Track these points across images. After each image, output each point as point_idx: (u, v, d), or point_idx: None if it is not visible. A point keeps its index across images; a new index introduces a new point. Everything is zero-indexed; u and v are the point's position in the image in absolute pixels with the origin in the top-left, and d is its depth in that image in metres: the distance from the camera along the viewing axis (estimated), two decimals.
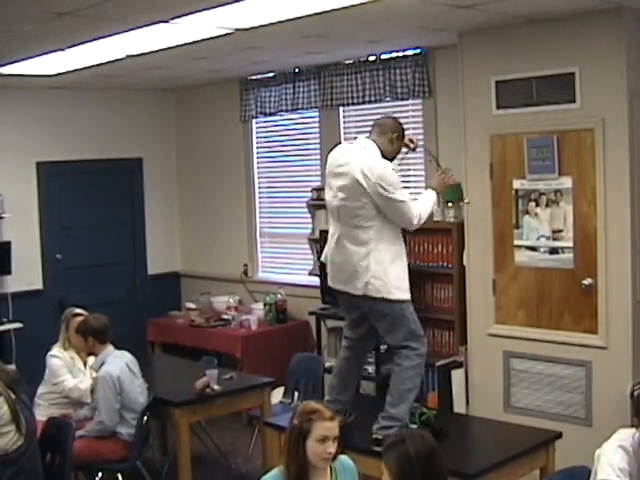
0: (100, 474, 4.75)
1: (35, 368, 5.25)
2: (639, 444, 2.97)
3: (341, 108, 6.59)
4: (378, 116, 6.22)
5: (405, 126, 6.19)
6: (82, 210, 7.57)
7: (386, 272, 4.00)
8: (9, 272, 6.97)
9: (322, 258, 4.38)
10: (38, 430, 4.12)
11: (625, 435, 3.03)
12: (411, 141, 4.42)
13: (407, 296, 4.07)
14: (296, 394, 5.63)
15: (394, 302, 4.02)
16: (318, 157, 6.85)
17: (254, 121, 7.43)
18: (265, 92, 7.11)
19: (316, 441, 2.96)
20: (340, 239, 4.10)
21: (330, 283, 4.26)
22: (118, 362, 4.78)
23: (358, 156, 4.04)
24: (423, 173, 6.14)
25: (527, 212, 4.94)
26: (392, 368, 4.16)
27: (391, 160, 4.17)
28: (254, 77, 7.17)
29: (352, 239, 4.04)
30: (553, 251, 4.86)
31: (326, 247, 4.28)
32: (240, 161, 7.58)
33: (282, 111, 6.99)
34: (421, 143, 4.26)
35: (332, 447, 2.98)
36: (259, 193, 7.56)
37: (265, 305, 6.98)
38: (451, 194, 5.68)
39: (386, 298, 4.01)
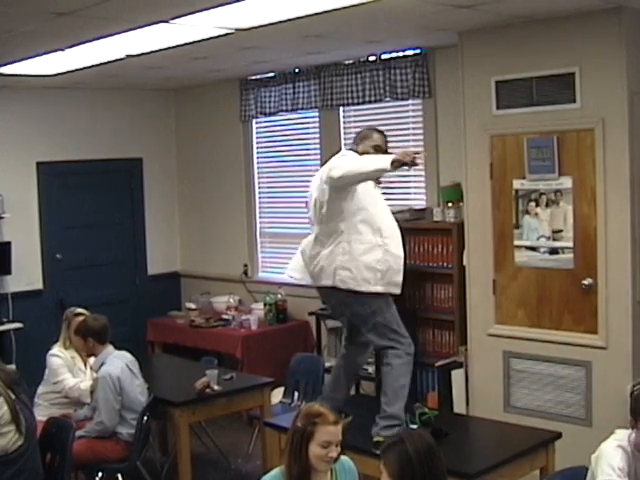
0: (100, 474, 4.75)
1: (35, 368, 5.26)
2: (634, 445, 2.99)
3: (341, 108, 6.59)
4: (378, 116, 6.29)
5: (405, 126, 6.29)
6: (82, 210, 7.57)
7: (355, 263, 3.98)
8: (9, 272, 6.97)
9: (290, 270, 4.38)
10: (38, 430, 4.12)
11: (622, 435, 3.05)
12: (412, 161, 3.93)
13: (379, 289, 4.01)
14: (296, 394, 5.64)
15: (365, 296, 4.00)
16: (318, 157, 6.85)
17: (254, 121, 7.43)
18: (265, 92, 7.11)
19: (319, 445, 2.94)
20: (317, 238, 4.13)
21: (306, 281, 4.25)
22: (118, 362, 4.77)
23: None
24: (423, 173, 6.15)
25: (527, 212, 4.94)
26: (382, 369, 4.17)
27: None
28: (254, 77, 7.17)
29: (325, 235, 4.08)
30: (553, 251, 4.86)
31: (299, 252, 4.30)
32: (240, 161, 7.58)
33: (282, 111, 6.99)
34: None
35: (334, 451, 2.97)
36: (259, 193, 7.56)
37: (265, 305, 6.98)
38: (451, 194, 5.71)
39: (353, 290, 3.99)
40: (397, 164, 3.76)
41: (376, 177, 4.03)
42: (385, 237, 4.04)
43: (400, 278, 4.09)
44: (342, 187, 3.96)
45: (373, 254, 3.99)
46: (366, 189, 4.05)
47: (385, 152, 4.16)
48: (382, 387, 4.15)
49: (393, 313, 4.12)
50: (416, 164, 3.84)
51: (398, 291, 4.09)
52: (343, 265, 4.00)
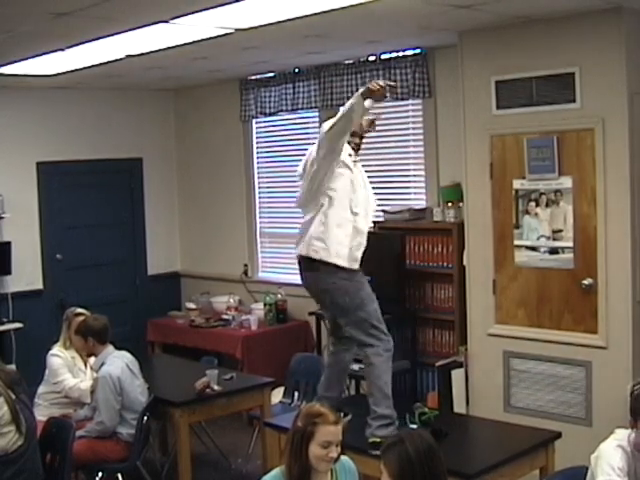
0: (100, 474, 4.74)
1: (35, 368, 5.26)
2: (634, 444, 2.99)
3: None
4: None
5: (405, 126, 6.29)
6: (82, 210, 7.57)
7: (328, 235, 4.00)
8: (9, 272, 6.97)
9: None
10: (38, 430, 4.12)
11: (622, 435, 3.05)
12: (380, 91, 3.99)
13: (345, 264, 4.02)
14: (296, 394, 5.64)
15: (337, 271, 4.01)
16: None
17: (254, 121, 7.43)
18: (265, 92, 7.11)
19: (319, 445, 2.94)
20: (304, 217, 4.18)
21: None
22: (118, 362, 4.77)
23: None
24: (423, 169, 6.15)
25: (527, 212, 4.94)
26: (364, 369, 4.17)
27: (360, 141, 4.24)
28: (254, 77, 7.17)
29: (308, 210, 4.11)
30: (553, 251, 4.86)
31: None
32: (240, 161, 7.58)
33: (282, 111, 6.99)
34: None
35: (334, 452, 2.97)
36: (259, 193, 7.57)
37: (265, 305, 6.98)
38: (451, 194, 5.71)
39: (324, 260, 4.01)
40: (367, 94, 3.87)
41: (358, 115, 4.01)
42: (355, 213, 4.08)
43: (360, 253, 4.10)
44: (334, 146, 4.01)
45: (344, 228, 4.04)
46: (346, 168, 4.10)
47: (361, 136, 4.28)
48: (367, 388, 4.15)
49: (375, 308, 4.11)
50: (385, 95, 3.98)
51: (357, 266, 4.09)
52: (318, 236, 4.03)
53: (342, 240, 4.03)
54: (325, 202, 4.04)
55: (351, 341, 4.27)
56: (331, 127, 3.98)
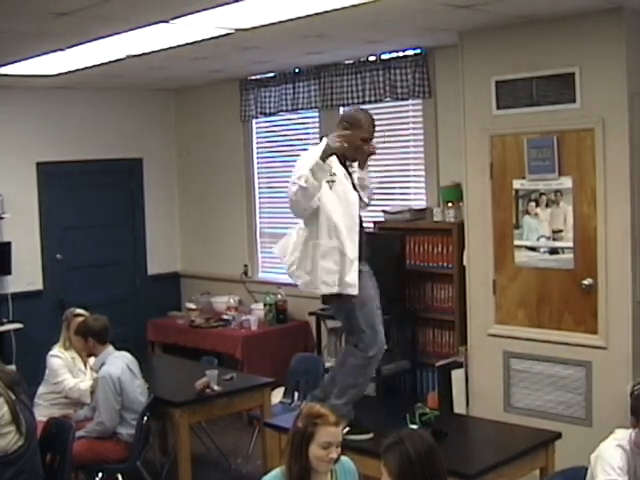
0: (100, 474, 4.75)
1: (35, 368, 5.26)
2: (635, 443, 2.99)
3: (341, 108, 6.58)
4: (378, 116, 6.27)
5: (405, 126, 6.28)
6: (82, 210, 7.57)
7: (315, 267, 3.97)
8: (9, 272, 6.98)
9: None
10: (38, 430, 4.12)
11: (622, 435, 3.06)
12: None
13: (336, 289, 3.95)
14: (296, 394, 5.63)
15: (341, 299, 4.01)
16: None
17: (254, 121, 7.43)
18: (265, 92, 7.11)
19: (319, 446, 2.94)
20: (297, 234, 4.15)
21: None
22: (118, 363, 4.77)
23: None
24: (423, 169, 6.15)
25: (527, 212, 4.94)
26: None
27: (353, 159, 4.08)
28: (254, 77, 7.17)
29: (297, 234, 4.09)
30: (553, 251, 4.86)
31: None
32: (240, 161, 7.59)
33: (282, 111, 7.00)
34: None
35: (335, 452, 2.97)
36: (259, 193, 7.57)
37: (265, 305, 6.98)
38: (451, 194, 5.71)
39: (314, 291, 4.05)
40: (327, 153, 3.77)
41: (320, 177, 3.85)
42: (340, 238, 3.96)
43: (351, 278, 3.96)
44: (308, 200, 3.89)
45: (330, 257, 3.96)
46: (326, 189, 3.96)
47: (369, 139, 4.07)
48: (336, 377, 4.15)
49: (369, 312, 4.03)
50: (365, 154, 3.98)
51: (355, 291, 3.96)
52: (306, 269, 4.01)
53: (330, 269, 3.95)
54: (307, 232, 4.00)
55: None
56: (298, 200, 3.84)
